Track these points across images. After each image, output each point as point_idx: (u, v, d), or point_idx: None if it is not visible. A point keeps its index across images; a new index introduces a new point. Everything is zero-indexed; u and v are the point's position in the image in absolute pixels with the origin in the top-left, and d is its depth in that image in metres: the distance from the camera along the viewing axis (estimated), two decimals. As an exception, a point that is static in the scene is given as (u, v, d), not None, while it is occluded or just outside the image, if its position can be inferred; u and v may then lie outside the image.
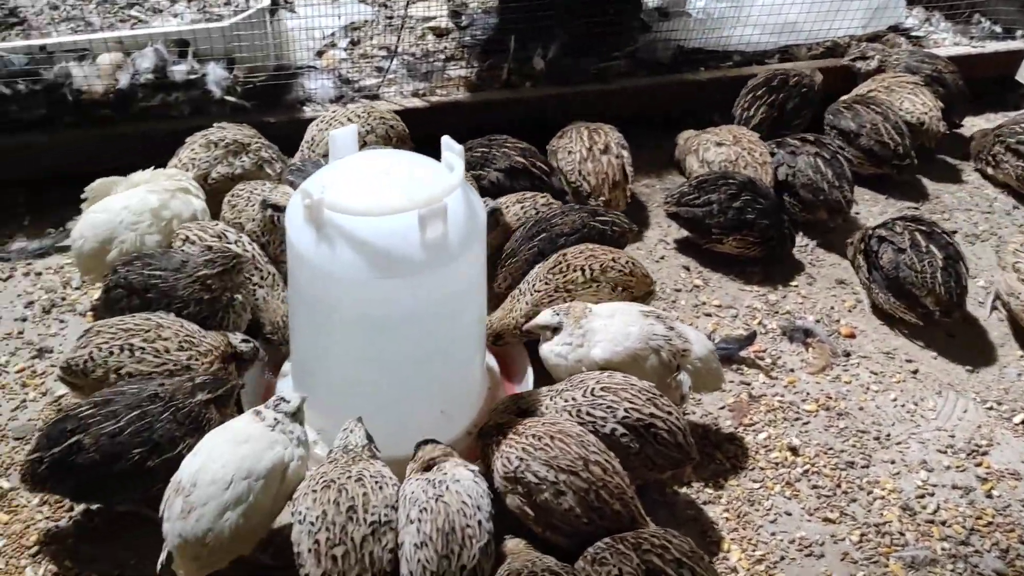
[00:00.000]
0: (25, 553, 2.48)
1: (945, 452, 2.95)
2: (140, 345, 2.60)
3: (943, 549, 2.66)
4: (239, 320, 2.90)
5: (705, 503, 2.75)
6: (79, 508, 2.58)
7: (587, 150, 3.73)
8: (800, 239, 3.78)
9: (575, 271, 3.02)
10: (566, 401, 2.57)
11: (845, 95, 4.30)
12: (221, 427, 2.40)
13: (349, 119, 3.56)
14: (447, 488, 2.28)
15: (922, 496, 2.81)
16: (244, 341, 2.74)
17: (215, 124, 3.53)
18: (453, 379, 2.76)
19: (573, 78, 4.19)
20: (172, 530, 2.25)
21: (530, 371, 2.98)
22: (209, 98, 3.71)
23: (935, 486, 2.85)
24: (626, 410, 2.51)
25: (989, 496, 2.82)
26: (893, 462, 2.91)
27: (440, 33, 4.62)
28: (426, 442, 2.49)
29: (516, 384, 3.02)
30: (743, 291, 3.57)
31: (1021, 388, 3.21)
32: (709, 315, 3.44)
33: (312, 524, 2.21)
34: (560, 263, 3.04)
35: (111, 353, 2.60)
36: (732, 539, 2.66)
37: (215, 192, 3.40)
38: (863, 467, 2.89)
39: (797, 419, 3.03)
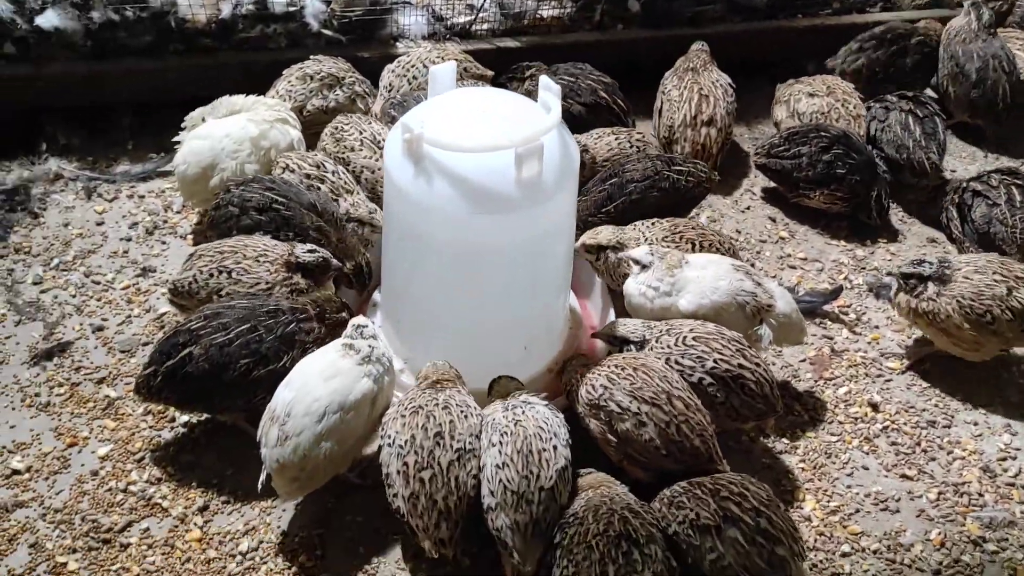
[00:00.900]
0: (131, 458, 2.64)
1: (1031, 417, 2.92)
2: (232, 267, 2.71)
3: (1022, 512, 2.65)
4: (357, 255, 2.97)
5: (781, 453, 2.77)
6: (180, 420, 2.73)
7: (692, 117, 3.62)
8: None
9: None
10: (661, 346, 2.59)
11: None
12: (311, 357, 2.49)
13: (424, 64, 3.54)
14: (523, 413, 2.37)
15: (1004, 459, 2.79)
16: (309, 251, 2.79)
17: (311, 57, 3.59)
18: (538, 316, 2.82)
19: (666, 22, 4.13)
20: (270, 456, 2.38)
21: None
22: (306, 31, 3.76)
23: (1018, 449, 2.82)
24: (715, 360, 2.53)
25: (1074, 463, 2.79)
26: (976, 424, 2.89)
27: (534, -28, 4.58)
28: (501, 378, 2.57)
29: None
30: (829, 245, 3.53)
31: (1115, 357, 3.14)
32: (794, 268, 3.42)
33: (401, 448, 2.31)
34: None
35: (211, 276, 2.72)
36: (807, 489, 2.68)
37: (309, 124, 3.47)
38: (944, 427, 2.87)
39: (879, 376, 3.02)
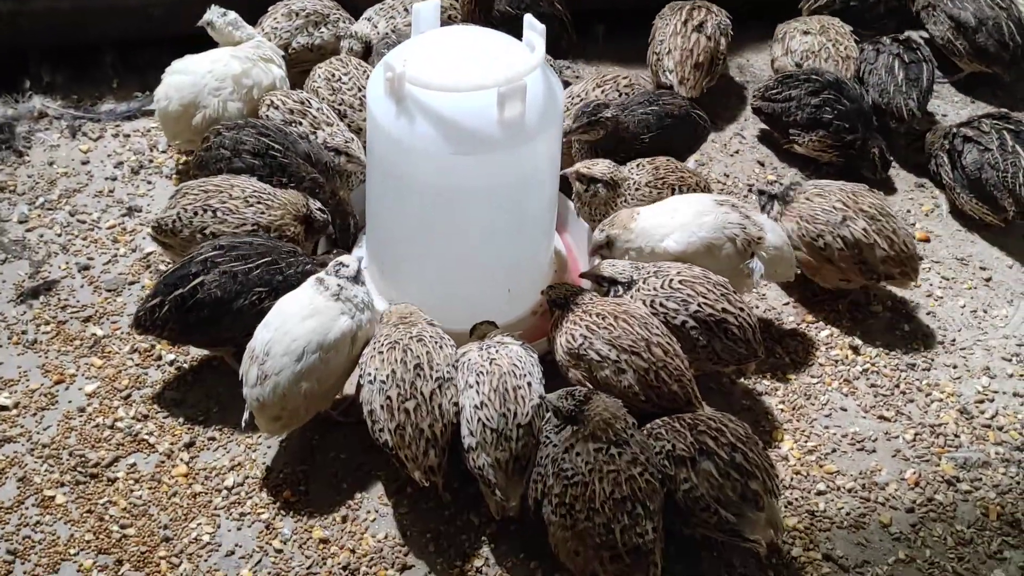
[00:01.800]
0: (118, 395, 2.67)
1: (1010, 360, 2.94)
2: (218, 206, 2.71)
3: (997, 453, 2.69)
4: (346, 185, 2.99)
5: (761, 394, 2.81)
6: (167, 359, 2.75)
7: (682, 24, 3.60)
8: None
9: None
10: (648, 288, 2.60)
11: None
12: (288, 297, 2.49)
13: (406, 8, 3.46)
14: (497, 352, 2.40)
15: (981, 401, 2.83)
16: (320, 210, 2.83)
17: (297, -8, 3.54)
18: (522, 258, 2.83)
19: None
20: (251, 395, 2.40)
21: None
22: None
23: (996, 392, 2.85)
24: (699, 304, 2.55)
25: (1050, 406, 2.83)
26: (955, 367, 2.92)
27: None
28: (480, 324, 2.59)
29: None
30: (818, 189, 3.51)
31: (1097, 303, 3.16)
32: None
33: (383, 383, 2.34)
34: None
35: (195, 214, 2.72)
36: (785, 430, 2.72)
37: (295, 63, 3.44)
38: (924, 370, 2.90)
39: (862, 319, 3.04)
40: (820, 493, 2.58)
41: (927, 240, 3.34)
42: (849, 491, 2.58)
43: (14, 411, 2.61)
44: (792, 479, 2.60)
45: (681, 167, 3.05)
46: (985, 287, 3.18)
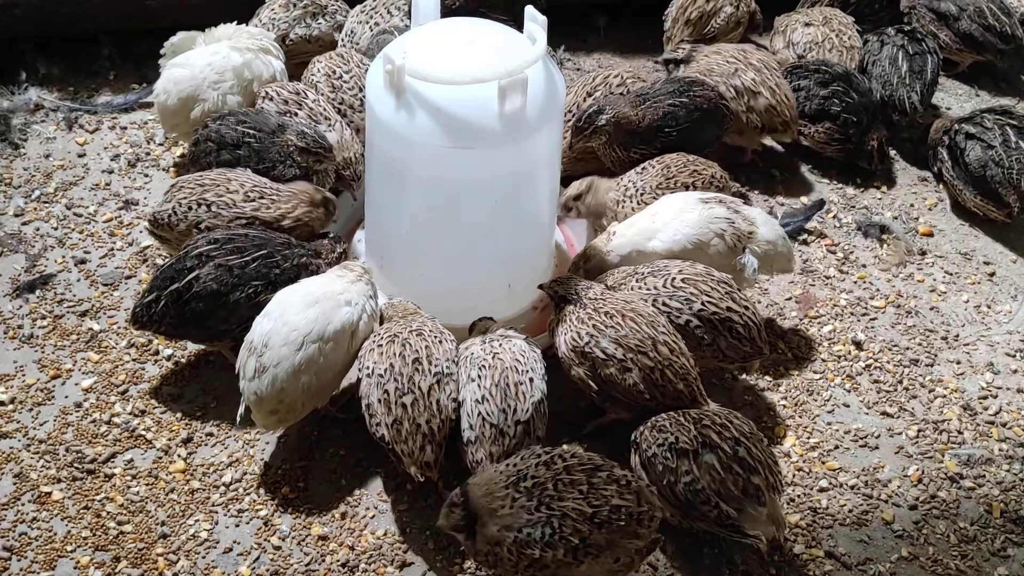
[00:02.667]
0: (114, 391, 2.65)
1: (1013, 356, 2.92)
2: (213, 200, 2.68)
3: (1000, 450, 2.67)
4: (324, 182, 2.95)
5: (764, 390, 2.78)
6: (164, 353, 2.73)
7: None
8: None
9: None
10: (648, 288, 2.57)
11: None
12: (290, 288, 2.47)
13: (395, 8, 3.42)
14: (501, 346, 2.38)
15: (985, 397, 2.81)
16: (332, 190, 2.84)
17: (295, -17, 3.50)
18: (522, 253, 2.80)
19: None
20: (248, 388, 2.38)
21: None
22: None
23: (999, 388, 2.83)
24: (703, 303, 2.52)
25: (1054, 402, 2.81)
26: (958, 362, 2.90)
27: None
28: (482, 319, 2.57)
29: None
30: (820, 183, 3.49)
31: (1101, 298, 3.14)
32: (783, 205, 3.39)
33: (381, 376, 2.32)
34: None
35: (191, 208, 2.69)
36: (788, 426, 2.70)
37: (292, 54, 3.40)
38: (927, 365, 2.88)
39: (864, 315, 3.02)
40: (822, 490, 2.56)
41: (930, 234, 3.31)
42: (852, 488, 2.56)
43: (10, 406, 2.59)
44: (794, 475, 2.58)
45: (694, 160, 2.97)
46: (989, 282, 3.16)
